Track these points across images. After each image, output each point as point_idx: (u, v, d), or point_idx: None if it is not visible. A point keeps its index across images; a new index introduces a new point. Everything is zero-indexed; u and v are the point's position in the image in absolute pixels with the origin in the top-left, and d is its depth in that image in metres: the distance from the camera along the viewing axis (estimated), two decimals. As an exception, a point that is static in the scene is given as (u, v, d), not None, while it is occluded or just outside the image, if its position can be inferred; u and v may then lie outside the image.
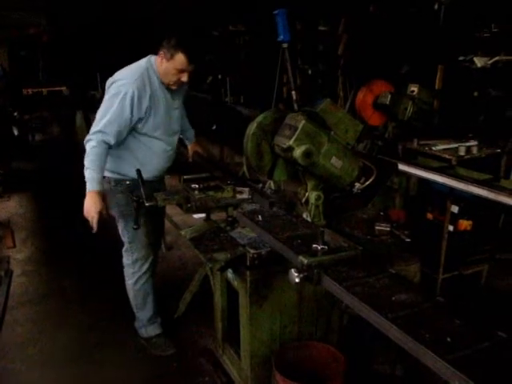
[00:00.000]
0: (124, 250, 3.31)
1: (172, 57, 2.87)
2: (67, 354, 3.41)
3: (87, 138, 2.91)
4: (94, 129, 2.90)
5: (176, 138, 3.27)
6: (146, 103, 2.91)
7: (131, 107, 2.86)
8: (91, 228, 2.88)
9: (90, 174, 2.85)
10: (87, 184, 2.86)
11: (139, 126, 2.98)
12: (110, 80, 3.00)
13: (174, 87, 3.02)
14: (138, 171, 2.84)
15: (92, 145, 2.86)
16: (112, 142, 2.88)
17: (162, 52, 2.91)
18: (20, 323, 3.78)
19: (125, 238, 3.26)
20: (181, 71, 2.92)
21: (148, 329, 3.46)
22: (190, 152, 3.62)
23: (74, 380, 3.17)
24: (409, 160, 4.04)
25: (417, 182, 4.41)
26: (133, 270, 3.31)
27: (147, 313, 3.42)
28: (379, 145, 4.40)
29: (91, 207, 2.84)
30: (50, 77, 10.99)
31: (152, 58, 3.01)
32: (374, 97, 4.57)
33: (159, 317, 3.50)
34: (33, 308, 3.99)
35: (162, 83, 2.99)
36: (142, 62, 3.02)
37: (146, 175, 2.94)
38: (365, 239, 2.47)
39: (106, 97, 2.94)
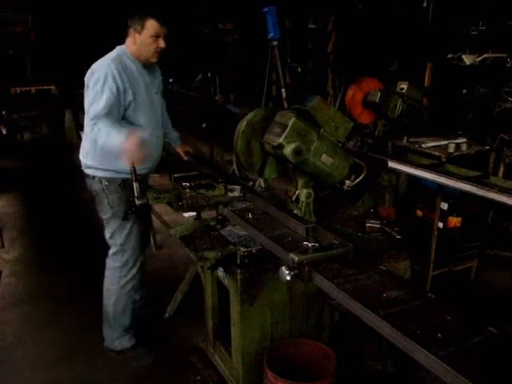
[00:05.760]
0: (112, 252, 3.18)
1: (143, 27, 2.85)
2: (57, 354, 3.38)
3: (88, 127, 2.82)
4: (91, 115, 2.79)
5: (162, 130, 3.20)
6: (126, 81, 2.85)
7: (116, 84, 2.80)
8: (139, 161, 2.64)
9: (116, 138, 2.67)
10: (117, 144, 2.64)
11: (126, 110, 2.91)
12: (88, 72, 2.92)
13: (153, 59, 2.96)
14: (132, 165, 2.70)
15: (98, 128, 2.75)
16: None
17: (131, 30, 2.90)
18: (9, 324, 3.74)
19: (116, 241, 3.13)
20: (156, 37, 2.88)
21: (123, 340, 3.28)
22: (182, 152, 3.51)
23: (64, 380, 3.14)
24: (398, 157, 4.05)
25: (406, 180, 4.43)
26: (119, 274, 3.18)
27: (125, 322, 3.26)
28: (369, 142, 4.41)
29: (130, 146, 2.59)
30: (39, 75, 10.90)
31: (122, 46, 2.97)
32: (364, 94, 4.58)
33: (133, 327, 3.34)
34: (22, 308, 3.95)
35: (143, 66, 2.95)
36: (113, 51, 2.98)
37: (139, 170, 2.82)
38: (355, 236, 2.47)
39: (91, 85, 2.84)
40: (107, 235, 3.17)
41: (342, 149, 2.56)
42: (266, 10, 2.61)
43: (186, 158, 3.48)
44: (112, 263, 3.21)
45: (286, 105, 2.52)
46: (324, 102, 2.54)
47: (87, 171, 3.07)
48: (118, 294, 3.21)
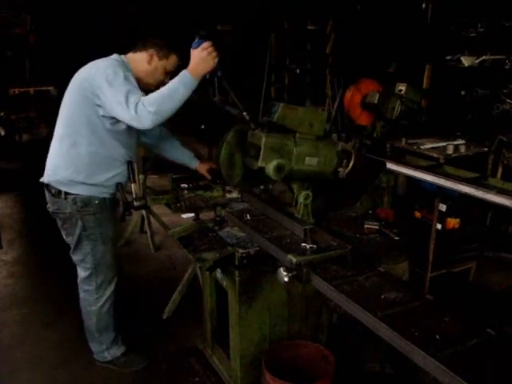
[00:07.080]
0: (85, 276, 3.00)
1: (166, 57, 2.77)
2: (55, 355, 3.38)
3: (130, 118, 2.49)
4: (129, 105, 2.46)
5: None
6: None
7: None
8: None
9: (182, 87, 2.50)
10: (187, 84, 2.51)
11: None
12: (84, 79, 2.69)
13: (152, 88, 2.75)
14: (130, 163, 2.64)
15: (147, 111, 2.45)
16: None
17: (152, 50, 2.75)
18: (7, 325, 3.74)
19: (88, 264, 2.95)
20: (168, 73, 2.81)
21: (111, 351, 3.20)
22: (204, 173, 3.11)
23: (62, 382, 3.14)
24: (397, 159, 4.05)
25: (405, 181, 4.43)
26: (97, 296, 3.03)
27: (110, 335, 3.17)
28: (368, 144, 4.41)
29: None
30: (37, 76, 10.89)
31: (121, 56, 2.79)
32: (362, 96, 4.58)
33: (120, 334, 3.25)
34: (20, 310, 3.95)
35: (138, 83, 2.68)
36: (113, 58, 2.77)
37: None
38: (354, 237, 2.47)
39: (105, 85, 2.54)
40: (77, 258, 3.00)
41: (323, 142, 2.48)
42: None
43: (210, 178, 3.10)
44: (86, 287, 3.05)
45: (252, 125, 2.43)
46: (289, 106, 2.42)
47: (60, 188, 2.83)
48: (99, 313, 3.08)
